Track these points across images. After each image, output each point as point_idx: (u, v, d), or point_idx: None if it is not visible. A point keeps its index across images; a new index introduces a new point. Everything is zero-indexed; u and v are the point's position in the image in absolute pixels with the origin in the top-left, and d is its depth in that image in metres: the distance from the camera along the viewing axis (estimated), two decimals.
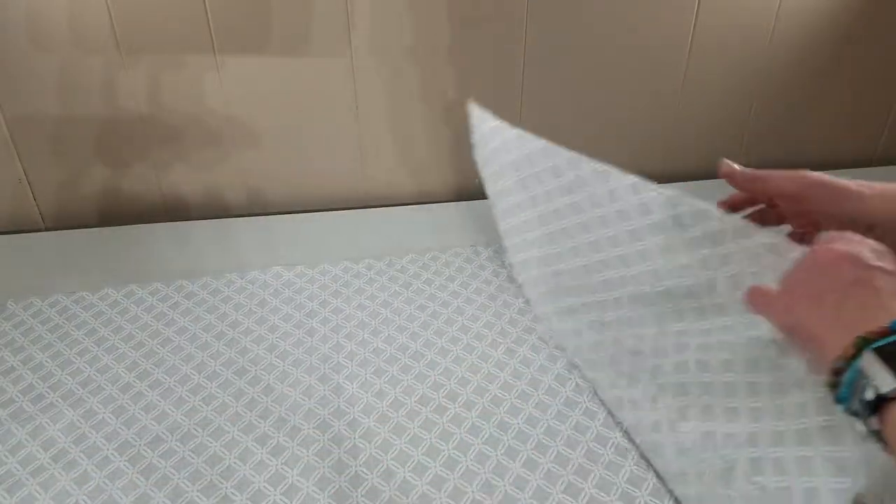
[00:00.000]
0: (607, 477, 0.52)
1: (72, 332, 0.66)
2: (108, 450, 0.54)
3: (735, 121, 0.98)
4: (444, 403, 0.58)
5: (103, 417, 0.57)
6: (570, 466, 0.53)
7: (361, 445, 0.55)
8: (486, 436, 0.55)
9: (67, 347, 0.64)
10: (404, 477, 0.52)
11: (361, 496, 0.50)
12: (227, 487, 0.51)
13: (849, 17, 0.91)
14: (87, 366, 0.62)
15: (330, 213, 0.88)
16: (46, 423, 0.56)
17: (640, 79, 0.91)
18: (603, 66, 0.89)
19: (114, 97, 0.79)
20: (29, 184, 0.84)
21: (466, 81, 0.87)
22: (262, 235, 0.83)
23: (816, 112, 0.99)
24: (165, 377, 0.61)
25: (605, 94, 0.91)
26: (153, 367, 0.62)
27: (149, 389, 0.60)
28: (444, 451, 0.54)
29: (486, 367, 0.63)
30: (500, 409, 0.58)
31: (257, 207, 0.91)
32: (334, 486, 0.51)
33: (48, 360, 0.63)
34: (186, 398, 0.59)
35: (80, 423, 0.56)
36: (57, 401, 0.58)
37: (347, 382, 0.61)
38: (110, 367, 0.62)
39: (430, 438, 0.55)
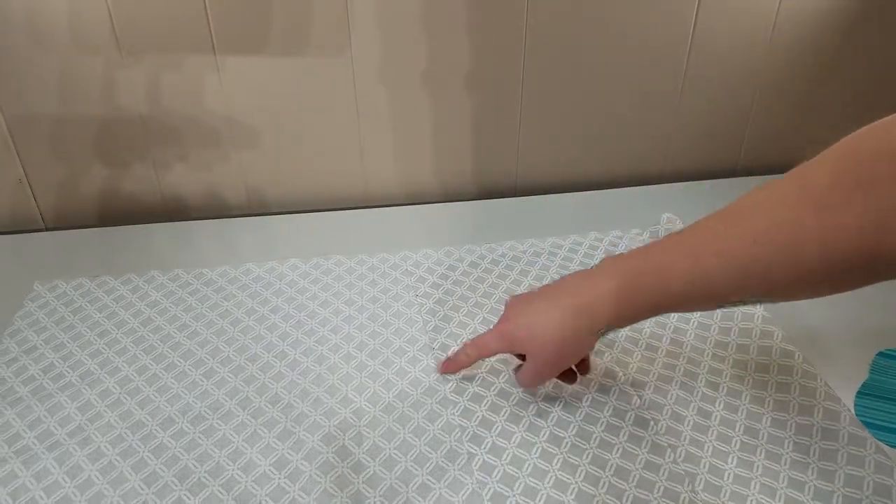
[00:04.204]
0: (624, 465, 0.52)
1: (93, 315, 0.68)
2: (121, 428, 0.55)
3: (735, 121, 0.98)
4: (450, 397, 0.58)
5: (119, 398, 0.58)
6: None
7: (366, 433, 0.55)
8: (498, 429, 0.55)
9: (88, 329, 0.66)
10: (406, 467, 0.52)
11: (362, 482, 0.51)
12: (233, 469, 0.52)
13: (849, 17, 0.91)
14: (106, 347, 0.64)
15: (330, 212, 0.88)
16: (65, 401, 0.58)
17: (640, 79, 0.91)
18: (603, 66, 0.89)
19: (114, 97, 0.79)
20: (29, 184, 0.84)
21: (466, 81, 0.87)
22: (262, 235, 0.83)
23: (816, 112, 0.99)
24: (181, 360, 0.63)
25: (604, 94, 0.92)
26: (170, 350, 0.64)
27: (164, 372, 0.61)
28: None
29: (484, 368, 0.63)
30: (509, 402, 0.58)
31: (257, 207, 0.91)
32: (336, 472, 0.52)
33: (69, 340, 0.65)
34: (199, 382, 0.60)
35: (97, 402, 0.58)
36: (76, 380, 0.60)
37: (362, 376, 0.61)
38: (128, 350, 0.64)
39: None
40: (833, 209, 0.40)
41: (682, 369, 0.61)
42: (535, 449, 0.54)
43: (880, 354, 0.64)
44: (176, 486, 0.51)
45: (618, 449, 0.54)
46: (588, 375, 0.60)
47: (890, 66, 0.97)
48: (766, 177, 0.98)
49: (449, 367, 0.60)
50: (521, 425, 0.56)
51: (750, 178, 0.97)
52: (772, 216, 0.44)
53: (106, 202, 0.87)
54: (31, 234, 0.84)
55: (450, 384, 0.59)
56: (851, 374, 0.61)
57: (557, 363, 0.54)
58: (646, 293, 0.49)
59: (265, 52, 0.80)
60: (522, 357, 0.56)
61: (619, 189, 0.94)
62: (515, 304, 0.56)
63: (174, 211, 0.89)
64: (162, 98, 0.81)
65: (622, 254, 0.52)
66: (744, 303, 0.51)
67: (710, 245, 0.46)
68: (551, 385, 0.59)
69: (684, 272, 0.47)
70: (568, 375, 0.59)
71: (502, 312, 0.57)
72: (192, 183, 0.88)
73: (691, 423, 0.56)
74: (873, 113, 1.10)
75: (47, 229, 0.87)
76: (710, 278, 0.46)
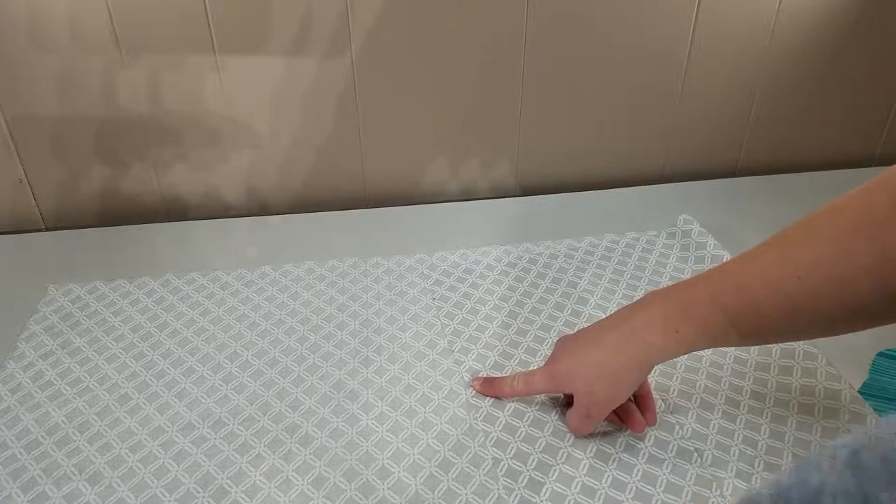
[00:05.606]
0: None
1: (109, 319, 0.68)
2: (141, 434, 0.55)
3: (735, 121, 0.98)
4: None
5: (138, 402, 0.58)
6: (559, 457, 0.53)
7: (389, 438, 0.55)
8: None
9: (104, 333, 0.66)
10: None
11: (387, 488, 0.51)
12: (256, 476, 0.52)
13: (849, 16, 0.91)
14: (123, 352, 0.64)
15: (330, 213, 0.88)
16: (83, 406, 0.57)
17: (640, 78, 0.91)
18: (603, 65, 0.89)
19: (114, 97, 0.79)
20: (29, 184, 0.84)
21: (466, 81, 0.87)
22: (262, 235, 0.83)
23: (816, 112, 1.00)
24: (196, 366, 0.62)
25: (605, 93, 0.92)
26: (187, 355, 0.64)
27: (182, 376, 0.61)
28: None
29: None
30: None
31: (257, 207, 0.91)
32: (361, 479, 0.52)
33: (85, 345, 0.64)
34: (219, 386, 0.60)
35: (115, 407, 0.57)
36: (93, 384, 0.60)
37: (376, 377, 0.61)
38: (146, 355, 0.63)
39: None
40: (891, 235, 0.39)
41: (725, 396, 0.59)
42: (574, 483, 0.52)
43: (880, 354, 0.64)
44: (199, 493, 0.50)
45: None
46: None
47: (890, 66, 0.97)
48: (766, 177, 0.98)
49: (486, 389, 0.59)
50: (558, 457, 0.54)
51: (750, 178, 0.97)
52: (820, 247, 0.43)
53: (106, 202, 0.87)
54: (31, 234, 0.84)
55: (470, 391, 0.59)
56: (851, 374, 0.61)
57: (606, 402, 0.51)
58: (691, 324, 0.47)
59: (265, 52, 0.80)
60: (570, 399, 0.54)
61: (620, 189, 0.94)
62: (564, 344, 0.55)
63: (174, 211, 0.89)
64: (162, 98, 0.81)
65: (667, 286, 0.51)
66: (798, 338, 0.48)
67: (758, 276, 0.45)
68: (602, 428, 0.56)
69: (731, 304, 0.46)
70: (628, 421, 0.54)
71: (552, 353, 0.56)
72: (192, 183, 0.87)
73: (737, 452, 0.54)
74: (873, 113, 1.11)
75: (47, 229, 0.87)
76: (758, 311, 0.45)
